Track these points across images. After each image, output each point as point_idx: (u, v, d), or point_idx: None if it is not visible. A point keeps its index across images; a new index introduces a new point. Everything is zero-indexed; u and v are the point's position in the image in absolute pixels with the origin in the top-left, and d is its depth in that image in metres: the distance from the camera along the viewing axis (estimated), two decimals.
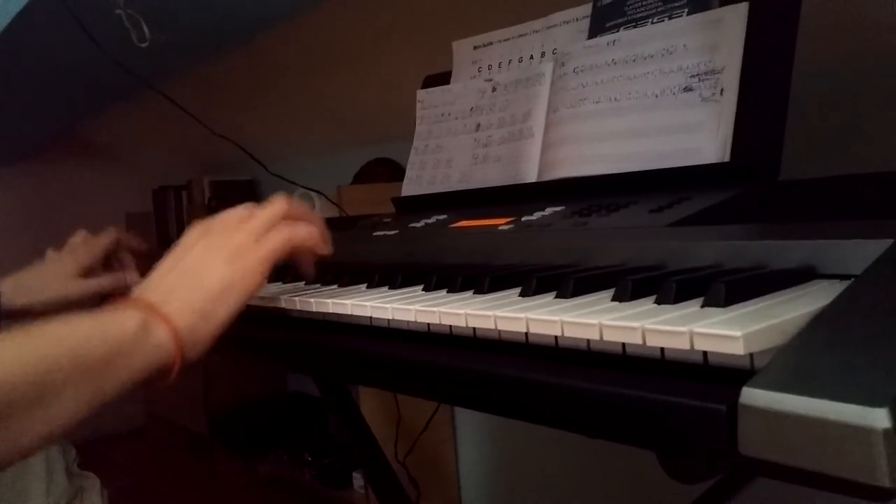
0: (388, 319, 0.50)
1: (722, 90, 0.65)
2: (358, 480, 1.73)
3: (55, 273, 0.88)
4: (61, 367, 0.45)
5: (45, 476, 0.80)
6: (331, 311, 0.56)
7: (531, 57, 0.87)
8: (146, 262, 0.95)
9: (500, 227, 0.67)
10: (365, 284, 0.62)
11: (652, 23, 0.74)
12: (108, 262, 0.94)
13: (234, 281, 0.54)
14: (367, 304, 0.52)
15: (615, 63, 0.74)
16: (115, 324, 0.49)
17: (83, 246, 0.92)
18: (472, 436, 1.70)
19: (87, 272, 0.90)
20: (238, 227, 0.56)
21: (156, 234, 2.75)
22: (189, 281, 0.53)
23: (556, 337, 0.39)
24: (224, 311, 0.53)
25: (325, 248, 0.60)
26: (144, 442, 2.86)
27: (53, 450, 0.84)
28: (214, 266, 0.54)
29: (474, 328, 0.44)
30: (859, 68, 0.92)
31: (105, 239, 0.93)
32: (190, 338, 0.51)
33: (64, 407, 0.46)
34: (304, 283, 0.70)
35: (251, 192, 2.50)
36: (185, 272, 0.54)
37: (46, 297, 0.87)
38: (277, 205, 0.58)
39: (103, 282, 0.89)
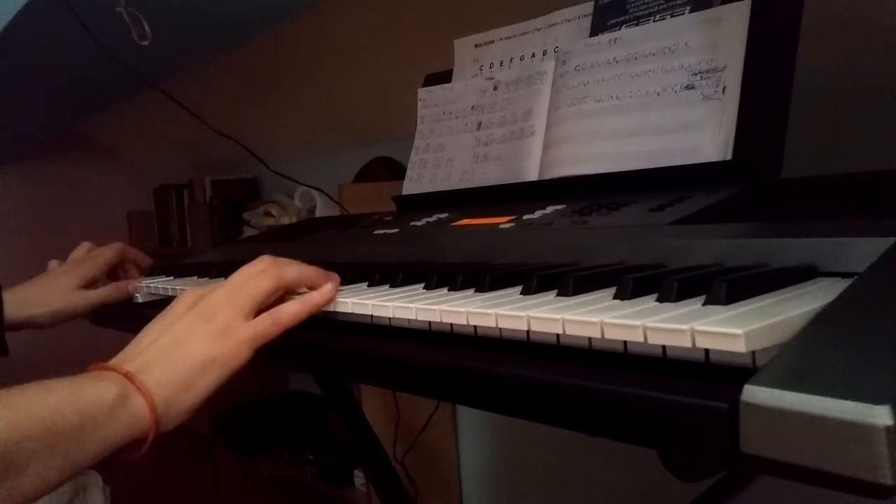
0: (390, 318, 0.50)
1: (724, 88, 0.65)
2: (359, 479, 1.74)
3: (58, 285, 0.88)
4: (33, 438, 0.45)
5: None
6: (332, 309, 0.56)
7: (532, 55, 0.87)
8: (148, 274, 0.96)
9: (501, 226, 0.67)
10: (366, 283, 0.62)
11: (653, 21, 0.74)
12: (111, 273, 0.94)
13: (216, 358, 0.53)
14: (368, 302, 0.52)
15: (616, 61, 0.74)
16: (91, 393, 0.48)
17: (87, 259, 0.92)
18: (473, 434, 1.70)
19: (90, 283, 0.90)
20: (227, 303, 0.55)
21: (157, 233, 2.75)
22: (172, 352, 0.53)
23: (557, 335, 0.39)
24: (204, 385, 0.53)
25: (313, 311, 0.57)
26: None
27: None
28: (199, 340, 0.53)
29: (475, 326, 0.44)
30: (861, 66, 0.91)
31: (109, 253, 0.93)
32: (166, 410, 0.51)
33: (30, 479, 0.45)
34: None
35: (252, 191, 2.50)
36: (169, 343, 0.54)
37: (49, 308, 0.87)
38: (268, 280, 0.56)
39: (106, 293, 0.89)
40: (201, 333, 0.54)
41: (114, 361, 0.53)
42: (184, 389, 0.52)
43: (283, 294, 0.58)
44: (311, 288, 0.58)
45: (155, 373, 0.52)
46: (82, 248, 0.95)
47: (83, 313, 0.90)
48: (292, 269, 0.58)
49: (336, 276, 0.59)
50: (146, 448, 0.51)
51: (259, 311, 0.56)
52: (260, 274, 0.57)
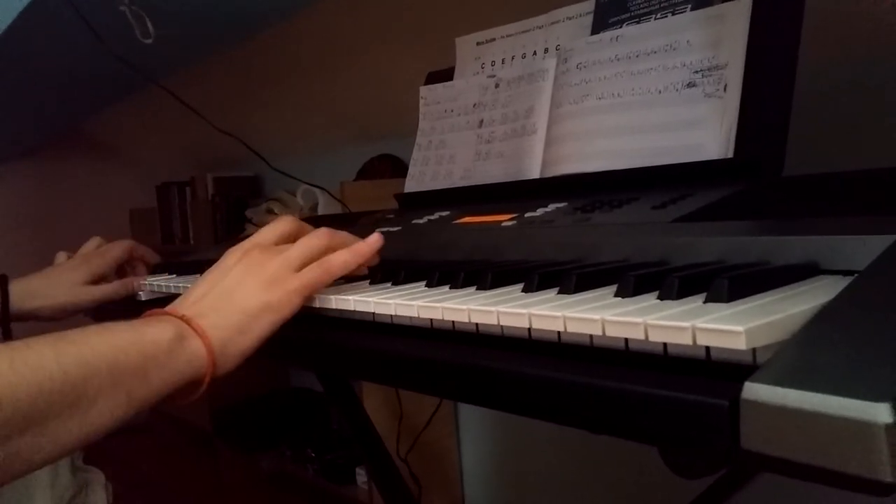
0: (391, 315, 0.50)
1: (725, 86, 0.65)
2: (361, 476, 1.74)
3: (65, 279, 0.88)
4: (99, 375, 0.47)
5: (50, 471, 0.80)
6: (334, 306, 0.56)
7: (534, 53, 0.87)
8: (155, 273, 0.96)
9: (502, 224, 0.67)
10: (367, 280, 0.62)
11: (655, 18, 0.74)
12: (119, 269, 0.94)
13: (270, 304, 0.55)
14: (370, 300, 0.52)
15: (618, 59, 0.74)
16: (151, 334, 0.50)
17: (96, 255, 0.92)
18: (475, 432, 1.70)
19: (98, 278, 0.90)
20: (277, 254, 0.57)
21: (159, 231, 2.75)
22: (226, 299, 0.55)
23: (558, 332, 0.39)
24: (258, 329, 0.54)
25: (362, 270, 0.61)
26: (148, 437, 2.87)
27: None
28: (252, 289, 0.55)
29: (477, 324, 0.44)
30: (863, 64, 0.91)
31: (118, 250, 0.93)
32: (222, 351, 0.53)
33: (99, 412, 0.47)
34: None
35: (254, 189, 2.50)
36: (223, 292, 0.55)
37: (56, 302, 0.87)
38: (319, 236, 0.59)
39: (112, 289, 0.90)
40: (253, 282, 0.55)
41: (170, 307, 0.55)
42: (239, 332, 0.53)
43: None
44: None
45: (211, 317, 0.53)
46: (92, 243, 0.95)
47: (88, 308, 0.90)
48: (343, 235, 0.61)
49: (378, 236, 0.61)
50: (204, 389, 0.53)
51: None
52: (314, 235, 0.59)
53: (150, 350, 0.49)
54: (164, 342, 0.50)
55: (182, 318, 0.53)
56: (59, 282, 0.88)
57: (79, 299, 0.88)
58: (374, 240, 0.60)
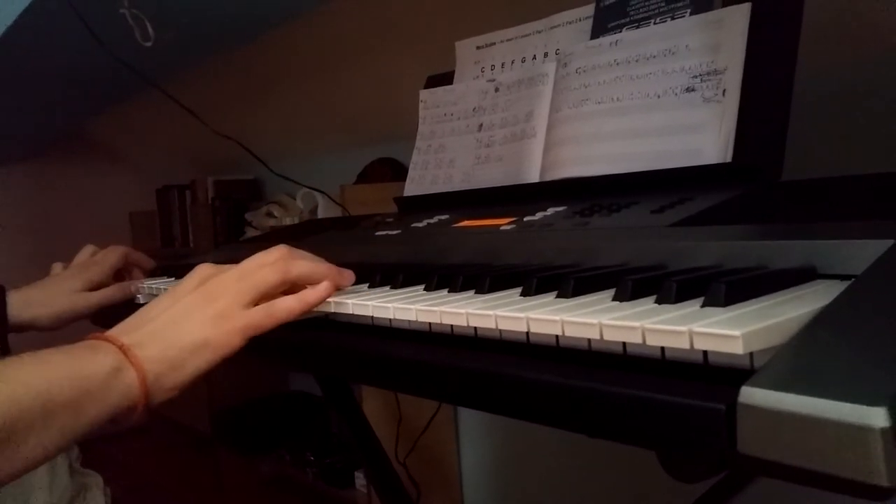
0: (390, 319, 0.50)
1: (724, 91, 0.65)
2: (360, 480, 1.74)
3: (62, 288, 0.89)
4: (31, 413, 0.47)
5: (48, 474, 0.80)
6: (332, 310, 0.56)
7: (534, 57, 0.87)
8: (151, 276, 0.96)
9: (502, 227, 0.68)
10: (367, 284, 0.62)
11: (654, 23, 0.74)
12: (115, 275, 0.95)
13: (209, 341, 0.55)
14: (369, 303, 0.52)
15: (617, 63, 0.74)
16: (89, 365, 0.51)
17: (92, 264, 0.92)
18: (474, 435, 1.70)
19: (94, 287, 0.90)
20: (231, 289, 0.57)
21: (159, 234, 2.75)
22: (168, 331, 0.55)
23: (556, 336, 0.39)
24: (194, 366, 0.55)
25: (307, 308, 0.58)
26: (147, 440, 2.87)
27: None
28: (196, 322, 0.55)
29: (475, 328, 0.44)
30: (861, 69, 0.91)
31: (114, 257, 0.93)
32: (156, 384, 0.53)
33: (30, 449, 0.47)
34: None
35: (254, 192, 2.50)
36: (168, 321, 0.56)
37: (54, 310, 0.87)
38: (275, 274, 0.58)
39: (109, 294, 0.90)
40: (200, 315, 0.56)
41: (112, 332, 0.56)
42: (172, 369, 0.54)
43: (292, 287, 0.59)
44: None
45: (149, 349, 0.54)
46: (86, 252, 0.95)
47: (86, 315, 0.90)
48: (303, 265, 0.59)
49: (348, 274, 0.60)
50: (136, 419, 0.53)
51: (261, 301, 0.58)
52: (269, 266, 0.58)
53: (85, 384, 0.50)
54: (100, 375, 0.51)
55: (122, 346, 0.53)
56: (57, 290, 0.88)
57: (77, 306, 0.88)
58: (324, 288, 0.58)
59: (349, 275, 0.60)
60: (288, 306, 0.57)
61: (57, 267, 0.94)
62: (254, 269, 0.58)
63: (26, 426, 0.47)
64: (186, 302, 0.57)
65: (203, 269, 0.60)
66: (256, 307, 0.57)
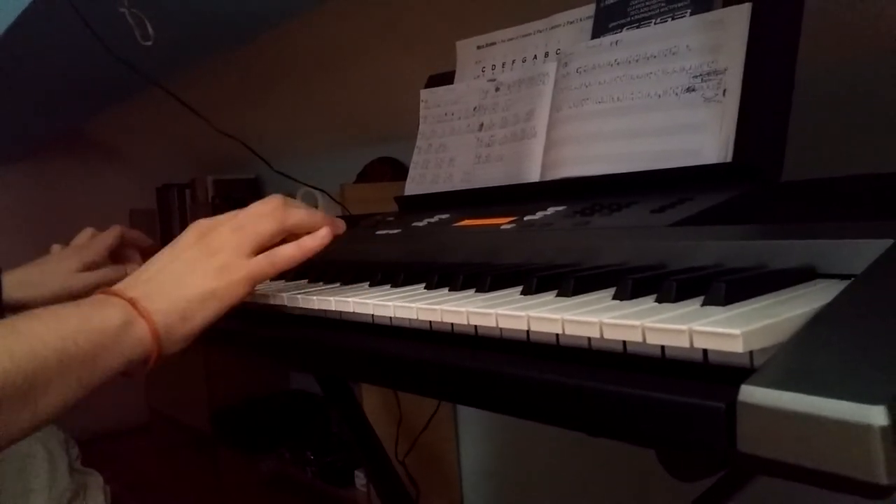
0: (390, 317, 0.50)
1: (724, 91, 0.65)
2: (360, 479, 1.74)
3: (58, 268, 0.89)
4: (49, 364, 0.48)
5: (48, 473, 0.80)
6: (333, 308, 0.56)
7: (534, 57, 0.87)
8: (149, 257, 0.96)
9: (502, 227, 0.68)
10: (367, 282, 0.62)
11: (655, 23, 0.74)
12: (112, 257, 0.95)
13: (215, 292, 0.56)
14: (369, 301, 0.52)
15: (618, 63, 0.74)
16: (99, 319, 0.52)
17: (89, 243, 0.93)
18: (474, 434, 1.70)
19: (91, 267, 0.90)
20: (230, 241, 0.58)
21: (159, 232, 2.75)
22: (174, 284, 0.56)
23: (557, 335, 0.39)
24: (202, 316, 0.56)
25: (307, 255, 0.60)
26: (147, 439, 2.87)
27: (56, 447, 0.85)
28: (200, 275, 0.57)
29: (476, 326, 0.44)
30: (861, 69, 0.92)
31: (109, 236, 0.94)
32: (167, 335, 0.55)
33: (51, 400, 0.49)
34: (307, 280, 0.70)
35: (255, 191, 2.50)
36: (172, 275, 0.57)
37: (48, 290, 0.87)
38: (272, 222, 0.59)
39: (104, 274, 0.90)
40: (203, 269, 0.57)
41: (119, 287, 0.57)
42: (182, 319, 0.55)
43: (288, 236, 0.61)
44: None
45: (157, 301, 0.55)
46: (85, 234, 0.96)
47: (82, 295, 0.90)
48: (298, 213, 0.61)
49: (341, 223, 0.62)
50: (150, 368, 0.55)
51: (261, 251, 0.59)
52: (265, 216, 0.60)
53: (98, 337, 0.51)
54: (112, 328, 0.52)
55: (130, 300, 0.54)
56: (53, 270, 0.88)
57: (72, 287, 0.88)
58: (323, 235, 0.60)
59: (342, 223, 0.62)
60: (289, 254, 0.59)
61: (56, 248, 0.94)
62: (250, 220, 0.59)
63: (46, 378, 0.48)
64: (188, 256, 0.58)
65: (199, 224, 0.60)
66: (258, 256, 0.58)
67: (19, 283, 0.86)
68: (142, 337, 0.53)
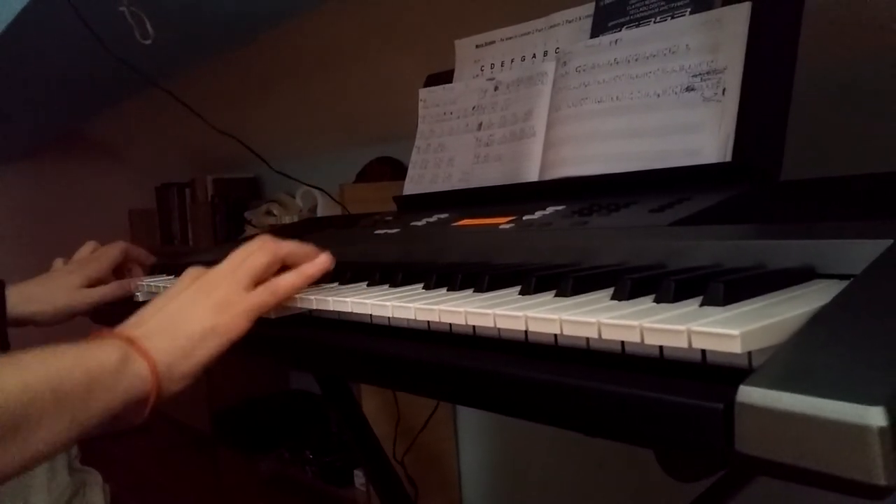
0: (389, 317, 0.50)
1: (724, 90, 0.65)
2: (359, 478, 1.74)
3: (62, 284, 0.89)
4: (43, 397, 0.47)
5: (47, 472, 0.80)
6: (331, 308, 0.56)
7: (533, 56, 0.87)
8: (152, 273, 0.96)
9: (501, 226, 0.68)
10: (366, 282, 0.62)
11: (654, 22, 0.74)
12: (115, 272, 0.94)
13: (216, 327, 0.56)
14: (368, 301, 0.52)
15: (617, 62, 0.74)
16: (96, 356, 0.51)
17: (92, 259, 0.92)
18: (473, 434, 1.70)
19: (94, 283, 0.90)
20: (227, 278, 0.58)
21: (159, 232, 2.75)
22: (173, 323, 0.56)
23: (555, 335, 0.39)
24: (204, 353, 0.55)
25: (308, 281, 0.61)
26: (147, 438, 2.87)
27: None
28: (200, 312, 0.56)
29: (474, 326, 0.44)
30: (860, 68, 0.91)
31: (113, 252, 0.93)
32: (167, 374, 0.53)
33: (43, 436, 0.47)
34: None
35: (254, 190, 2.50)
36: (171, 315, 0.56)
37: (52, 306, 0.87)
38: (265, 253, 0.60)
39: (108, 291, 0.89)
40: (202, 306, 0.56)
41: (118, 329, 0.56)
42: (184, 356, 0.54)
43: (281, 269, 0.61)
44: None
45: (156, 340, 0.54)
46: (87, 248, 0.95)
47: (86, 311, 0.90)
48: (289, 244, 0.61)
49: (328, 254, 0.62)
50: (148, 411, 0.53)
51: (258, 284, 0.59)
52: (257, 250, 0.60)
53: (96, 372, 0.50)
54: (110, 364, 0.51)
55: (128, 339, 0.53)
56: (57, 286, 0.88)
57: (76, 302, 0.88)
58: (322, 261, 0.60)
59: (332, 257, 0.62)
60: (290, 281, 0.59)
61: (58, 262, 0.94)
62: (243, 258, 0.59)
63: (38, 412, 0.47)
64: (186, 295, 0.57)
65: (193, 270, 0.60)
66: (257, 288, 0.58)
67: (23, 298, 0.86)
68: (141, 374, 0.52)
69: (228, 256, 0.60)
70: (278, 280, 0.59)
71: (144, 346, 0.53)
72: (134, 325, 0.56)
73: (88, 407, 0.49)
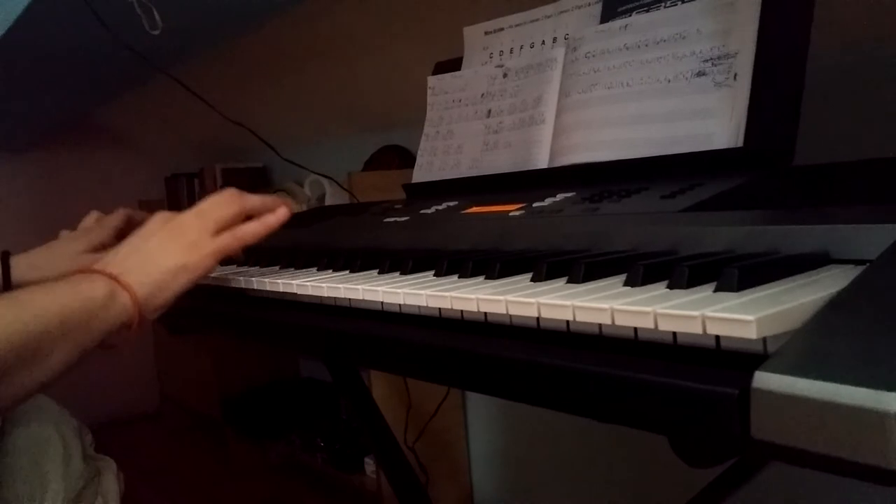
0: (400, 304, 0.50)
1: (735, 75, 0.65)
2: (370, 465, 1.75)
3: (66, 250, 0.89)
4: (53, 327, 0.56)
5: (63, 459, 0.81)
6: (342, 296, 0.56)
7: (542, 42, 0.87)
8: None
9: (511, 213, 0.67)
10: (377, 270, 0.62)
11: (665, 7, 0.73)
12: (118, 239, 0.95)
13: (186, 265, 0.64)
14: (379, 289, 0.52)
15: (627, 48, 0.74)
16: (88, 290, 0.60)
17: (95, 226, 0.93)
18: (483, 420, 1.70)
19: (98, 248, 0.91)
20: (195, 224, 0.66)
21: None
22: (148, 261, 0.64)
23: (567, 322, 0.39)
24: (176, 286, 0.64)
25: (269, 230, 0.69)
26: (159, 425, 2.89)
27: (70, 434, 0.85)
28: (172, 252, 0.65)
29: (485, 313, 0.44)
30: (874, 51, 0.90)
31: (115, 218, 0.94)
32: (146, 303, 0.63)
33: (55, 360, 0.57)
34: (316, 268, 0.70)
35: (263, 179, 2.50)
36: (145, 253, 0.65)
37: (56, 272, 0.87)
38: (232, 203, 0.68)
39: None
40: (173, 247, 0.65)
41: (99, 265, 0.64)
42: (159, 289, 0.64)
43: (246, 219, 0.69)
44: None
45: (135, 275, 0.63)
46: (91, 217, 0.96)
47: None
48: (254, 197, 0.70)
49: (291, 202, 0.72)
50: (133, 332, 0.63)
51: (222, 231, 0.67)
52: (223, 202, 0.68)
53: (90, 305, 0.59)
54: (100, 298, 0.60)
55: (110, 275, 0.62)
56: (61, 252, 0.89)
57: (81, 267, 0.89)
58: (282, 212, 0.69)
59: (291, 202, 0.72)
60: (252, 229, 0.67)
61: (64, 233, 0.95)
62: (210, 206, 0.67)
63: (51, 340, 0.56)
64: (158, 237, 0.65)
65: (161, 214, 0.68)
66: (223, 234, 0.66)
67: (28, 265, 0.87)
68: (125, 304, 0.61)
69: (197, 205, 0.68)
70: (242, 227, 0.67)
71: (126, 281, 0.62)
72: (114, 264, 0.64)
73: (87, 332, 0.59)
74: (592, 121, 0.75)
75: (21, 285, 0.86)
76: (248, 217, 0.69)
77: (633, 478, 1.37)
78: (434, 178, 0.92)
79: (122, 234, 0.95)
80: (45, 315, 0.56)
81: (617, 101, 0.73)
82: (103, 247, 0.91)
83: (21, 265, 0.87)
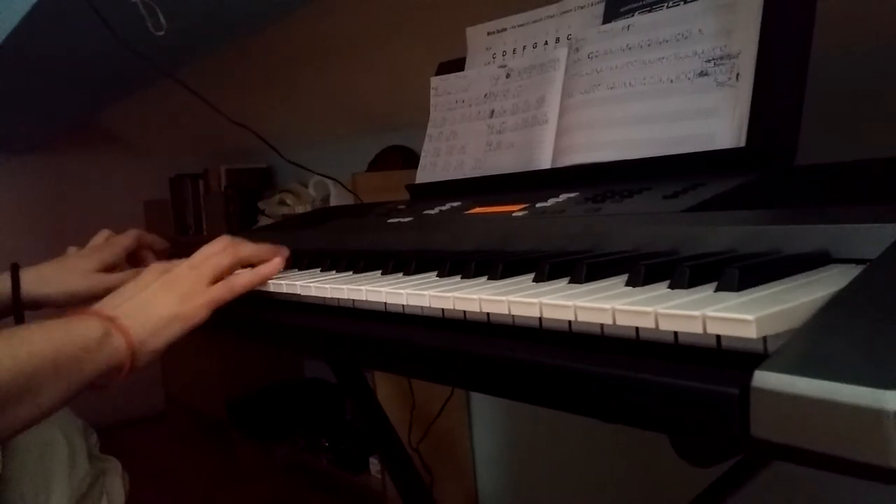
0: (403, 305, 0.50)
1: (738, 75, 0.65)
2: (374, 465, 1.75)
3: (77, 267, 0.89)
4: (46, 364, 0.57)
5: (68, 460, 0.82)
6: (346, 297, 0.56)
7: (545, 43, 0.87)
8: (164, 259, 0.96)
9: (514, 214, 0.68)
10: (380, 271, 0.62)
11: (667, 7, 0.73)
12: (128, 259, 0.95)
13: (179, 315, 0.65)
14: (382, 290, 0.52)
15: (630, 48, 0.74)
16: (84, 329, 0.61)
17: (106, 245, 0.93)
18: (487, 421, 1.71)
19: (109, 268, 0.91)
20: (189, 275, 0.67)
21: (173, 222, 2.77)
22: (145, 308, 0.65)
23: (569, 322, 0.39)
24: (169, 333, 0.65)
25: (263, 280, 0.69)
26: (164, 426, 2.90)
27: (75, 434, 0.86)
28: (166, 301, 0.66)
29: (488, 313, 0.44)
30: (877, 50, 0.90)
31: (127, 239, 0.94)
32: (140, 348, 0.63)
33: (46, 397, 0.57)
34: (319, 269, 0.70)
35: (267, 180, 2.51)
36: (141, 301, 0.66)
37: (66, 288, 0.88)
38: (226, 254, 0.69)
39: (124, 276, 0.90)
40: (167, 296, 0.66)
41: (96, 308, 0.65)
42: (153, 335, 0.64)
43: (240, 269, 0.70)
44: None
45: (131, 319, 0.64)
46: (101, 236, 0.96)
47: (101, 295, 0.91)
48: (248, 246, 0.71)
49: (285, 250, 0.72)
50: (122, 377, 0.64)
51: (216, 281, 0.68)
52: (218, 252, 0.69)
53: (84, 344, 0.60)
54: (95, 337, 0.61)
55: (108, 318, 0.63)
56: (71, 269, 0.89)
57: (91, 286, 0.89)
58: (276, 263, 0.70)
59: (285, 250, 0.72)
60: (245, 280, 0.68)
61: (72, 250, 0.95)
62: (204, 259, 0.69)
63: (43, 378, 0.57)
64: (154, 287, 0.67)
65: (156, 266, 0.69)
66: (217, 284, 0.67)
67: (38, 280, 0.87)
68: (119, 346, 0.62)
69: (193, 255, 0.69)
70: (235, 278, 0.68)
71: (123, 324, 0.63)
72: (110, 307, 0.65)
73: (80, 372, 0.59)
74: (595, 121, 0.75)
75: (30, 299, 0.87)
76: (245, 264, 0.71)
77: (636, 478, 1.37)
78: (437, 179, 0.92)
79: (132, 255, 0.95)
80: (39, 354, 0.57)
81: (619, 102, 0.73)
82: (112, 267, 0.91)
83: (30, 279, 0.87)
